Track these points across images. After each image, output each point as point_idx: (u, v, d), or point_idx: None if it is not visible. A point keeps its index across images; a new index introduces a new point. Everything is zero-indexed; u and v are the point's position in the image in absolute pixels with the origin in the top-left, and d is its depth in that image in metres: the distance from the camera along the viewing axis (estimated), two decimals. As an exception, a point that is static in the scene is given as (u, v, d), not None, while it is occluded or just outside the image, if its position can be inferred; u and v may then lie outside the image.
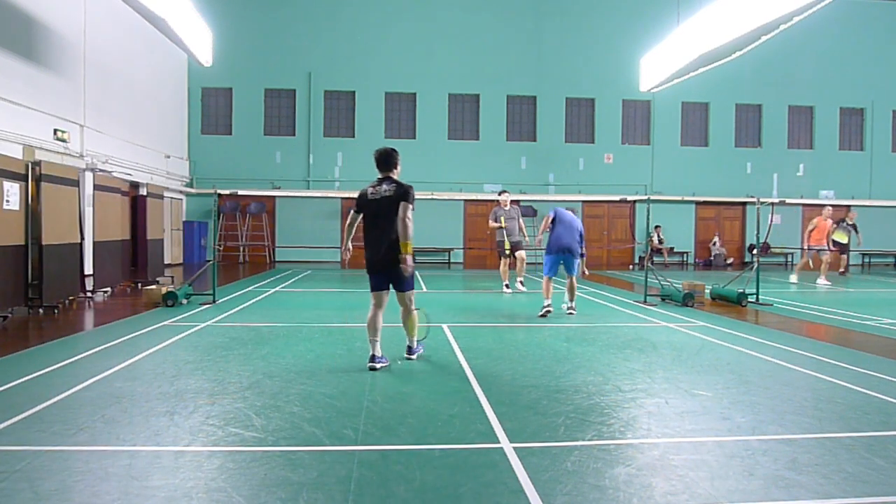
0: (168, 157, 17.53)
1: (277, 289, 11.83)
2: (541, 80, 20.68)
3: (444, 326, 7.35)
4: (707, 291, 10.53)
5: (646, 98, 20.28)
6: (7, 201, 7.65)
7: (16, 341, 6.38)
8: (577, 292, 8.84)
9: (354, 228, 5.55)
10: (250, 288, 11.78)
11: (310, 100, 20.02)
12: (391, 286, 5.32)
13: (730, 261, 20.93)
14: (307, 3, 19.99)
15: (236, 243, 19.53)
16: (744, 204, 21.26)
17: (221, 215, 19.02)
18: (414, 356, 5.59)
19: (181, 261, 18.44)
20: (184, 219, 19.10)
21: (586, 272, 9.44)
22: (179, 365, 5.24)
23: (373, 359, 5.17)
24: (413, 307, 5.44)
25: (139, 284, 11.44)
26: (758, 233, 10.42)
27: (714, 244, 21.07)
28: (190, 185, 19.30)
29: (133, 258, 13.83)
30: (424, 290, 11.81)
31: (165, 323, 7.43)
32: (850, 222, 15.25)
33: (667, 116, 21.17)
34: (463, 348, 6.15)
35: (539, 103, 20.78)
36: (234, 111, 20.08)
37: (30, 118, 10.62)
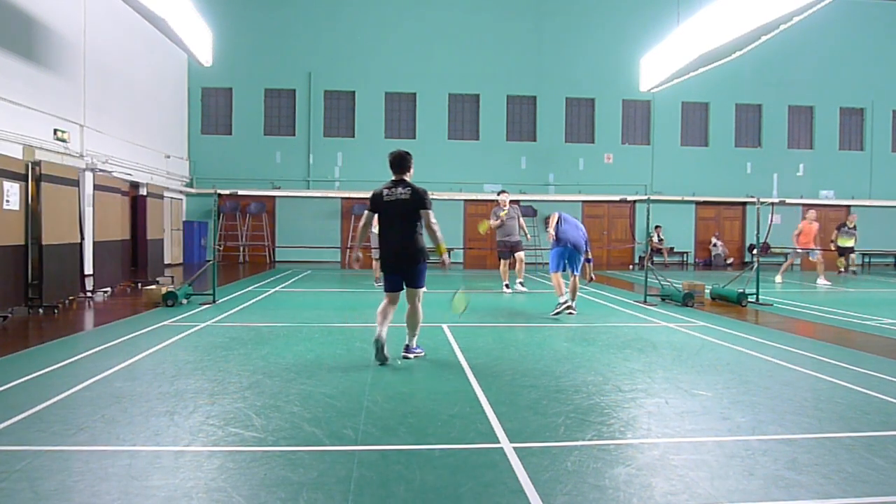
0: (168, 157, 17.53)
1: (277, 289, 11.83)
2: (541, 80, 20.67)
3: (444, 326, 7.36)
4: (707, 291, 10.53)
5: (646, 98, 20.27)
6: (7, 201, 7.65)
7: (16, 341, 6.38)
8: (578, 292, 8.85)
9: (369, 230, 5.75)
10: (250, 288, 11.78)
11: (310, 100, 20.01)
12: (404, 284, 5.51)
13: (730, 261, 20.93)
14: (307, 3, 19.99)
15: (236, 243, 19.52)
16: (744, 204, 21.26)
17: (221, 215, 19.01)
18: (411, 355, 5.63)
19: (181, 261, 18.43)
20: (184, 219, 19.10)
21: (593, 277, 9.47)
22: (179, 365, 5.24)
23: (379, 336, 5.27)
24: (420, 304, 5.61)
25: (139, 284, 11.43)
26: (758, 233, 10.44)
27: (714, 244, 21.06)
28: (190, 185, 19.29)
29: (133, 258, 13.83)
30: (425, 290, 11.75)
31: (165, 323, 7.43)
32: (851, 226, 15.29)
33: (667, 116, 21.16)
34: (463, 348, 6.16)
35: (539, 103, 20.77)
36: (234, 111, 20.07)
37: (30, 118, 10.62)
